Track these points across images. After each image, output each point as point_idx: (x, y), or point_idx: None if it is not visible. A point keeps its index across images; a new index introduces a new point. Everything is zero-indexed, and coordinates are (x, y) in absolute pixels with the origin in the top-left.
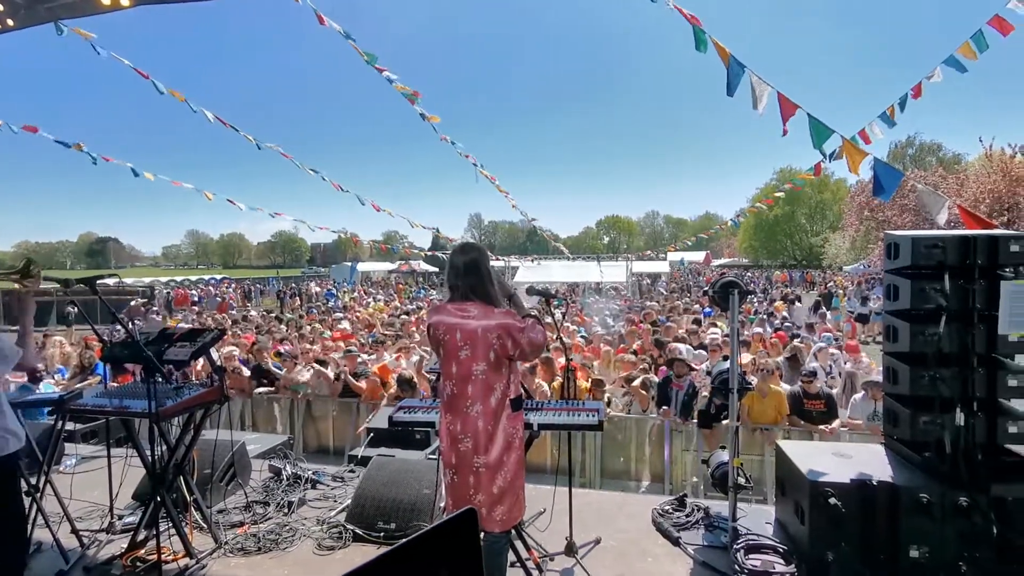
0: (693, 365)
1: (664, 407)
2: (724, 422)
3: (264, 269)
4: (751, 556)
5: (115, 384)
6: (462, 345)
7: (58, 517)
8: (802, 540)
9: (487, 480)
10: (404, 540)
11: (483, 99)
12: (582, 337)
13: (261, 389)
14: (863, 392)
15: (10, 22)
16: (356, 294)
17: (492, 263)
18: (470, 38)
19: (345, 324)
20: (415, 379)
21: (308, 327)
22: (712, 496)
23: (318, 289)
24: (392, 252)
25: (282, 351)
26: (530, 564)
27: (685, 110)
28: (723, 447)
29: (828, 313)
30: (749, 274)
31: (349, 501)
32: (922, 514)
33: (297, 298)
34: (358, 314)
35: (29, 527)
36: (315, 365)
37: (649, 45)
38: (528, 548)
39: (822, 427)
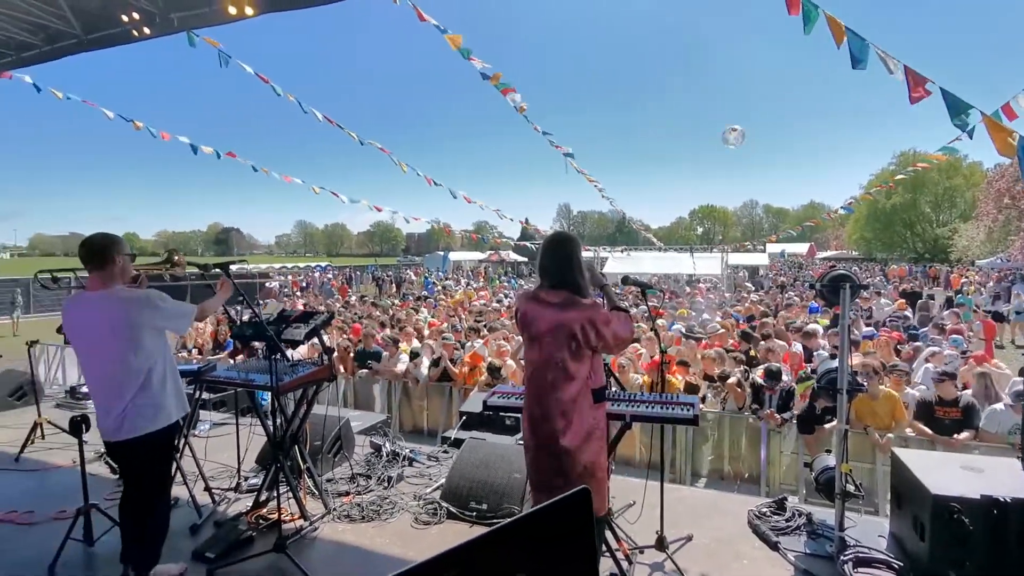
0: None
1: (769, 410)
2: (827, 425)
3: (363, 257)
4: (860, 570)
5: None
6: (545, 332)
7: (193, 476)
8: (921, 557)
9: (566, 465)
10: (520, 515)
11: (572, 87)
12: (687, 335)
13: (363, 372)
14: (1004, 402)
15: (146, 30)
16: (449, 282)
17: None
18: (560, 24)
19: (424, 311)
20: (503, 367)
21: (403, 313)
22: (813, 502)
23: (415, 277)
24: (482, 242)
25: (384, 336)
26: (619, 555)
27: (789, 93)
28: (828, 451)
29: (958, 311)
30: (856, 267)
31: (443, 480)
32: None
33: (393, 285)
34: (443, 301)
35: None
36: (431, 343)
37: (748, 22)
38: (618, 539)
39: (946, 437)
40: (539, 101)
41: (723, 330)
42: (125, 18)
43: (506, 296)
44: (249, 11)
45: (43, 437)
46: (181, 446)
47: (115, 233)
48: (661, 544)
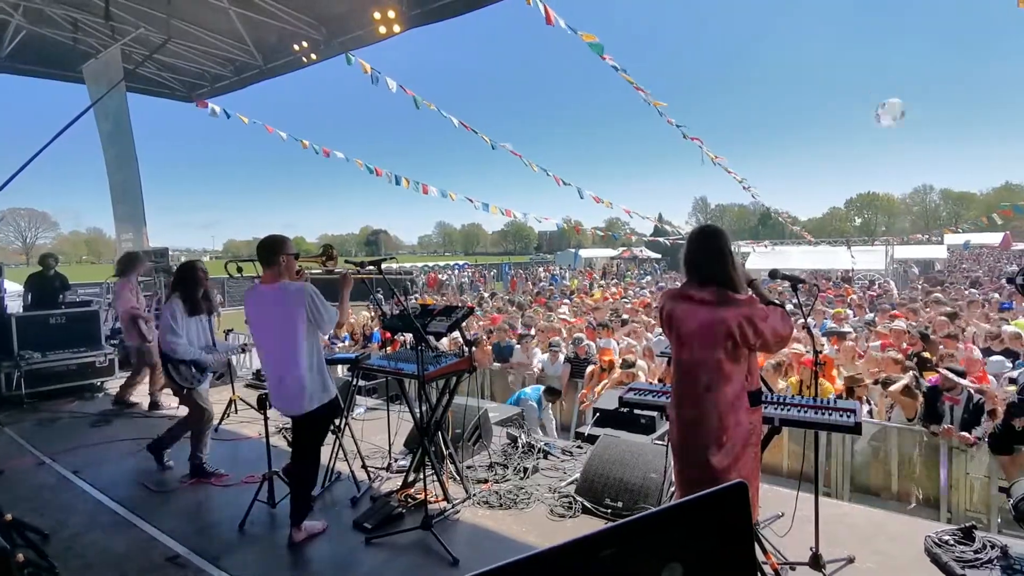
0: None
1: (946, 426)
2: None
3: (497, 255)
4: None
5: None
6: (697, 331)
7: (352, 454)
8: None
9: (719, 473)
10: (674, 503)
11: (708, 72)
12: (833, 334)
13: (497, 364)
14: None
15: (313, 56)
16: (585, 280)
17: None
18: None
19: (564, 309)
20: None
21: (535, 310)
22: (1010, 533)
23: (544, 274)
24: (613, 239)
25: (521, 332)
26: (767, 569)
27: (975, 55)
28: None
29: None
30: None
31: (578, 475)
32: None
33: (529, 282)
34: (584, 297)
35: (333, 460)
36: (563, 341)
37: None
38: (765, 551)
39: None
40: (670, 91)
41: (896, 328)
42: (296, 47)
43: (636, 294)
44: (396, 28)
45: (236, 411)
46: (342, 426)
47: (284, 235)
48: (816, 562)
